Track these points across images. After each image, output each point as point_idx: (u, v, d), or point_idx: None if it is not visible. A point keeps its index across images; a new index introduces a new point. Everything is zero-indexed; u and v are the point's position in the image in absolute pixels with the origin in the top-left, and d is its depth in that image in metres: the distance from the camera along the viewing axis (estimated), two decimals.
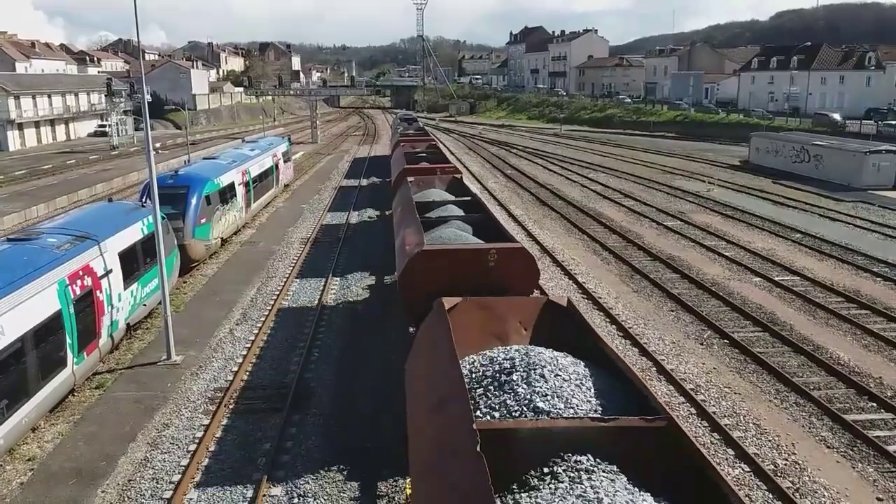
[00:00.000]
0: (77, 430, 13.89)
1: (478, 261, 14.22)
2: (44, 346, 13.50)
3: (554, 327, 10.26)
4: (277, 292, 22.42)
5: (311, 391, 15.50)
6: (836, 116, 69.30)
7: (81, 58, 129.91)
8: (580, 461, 6.67)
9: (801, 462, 12.81)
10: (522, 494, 6.41)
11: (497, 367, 8.69)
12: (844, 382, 15.99)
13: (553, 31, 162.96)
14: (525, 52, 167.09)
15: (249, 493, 11.75)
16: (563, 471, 6.59)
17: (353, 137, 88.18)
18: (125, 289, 17.65)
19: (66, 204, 38.95)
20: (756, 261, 26.41)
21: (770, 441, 13.53)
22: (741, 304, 21.24)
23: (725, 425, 13.93)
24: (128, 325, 18.15)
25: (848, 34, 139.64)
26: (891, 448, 13.10)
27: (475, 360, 9.14)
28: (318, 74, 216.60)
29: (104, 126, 79.59)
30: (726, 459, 12.82)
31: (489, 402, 8.14)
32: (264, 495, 11.69)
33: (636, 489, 6.28)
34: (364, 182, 48.31)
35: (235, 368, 16.62)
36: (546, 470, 6.65)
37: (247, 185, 32.08)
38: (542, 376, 8.25)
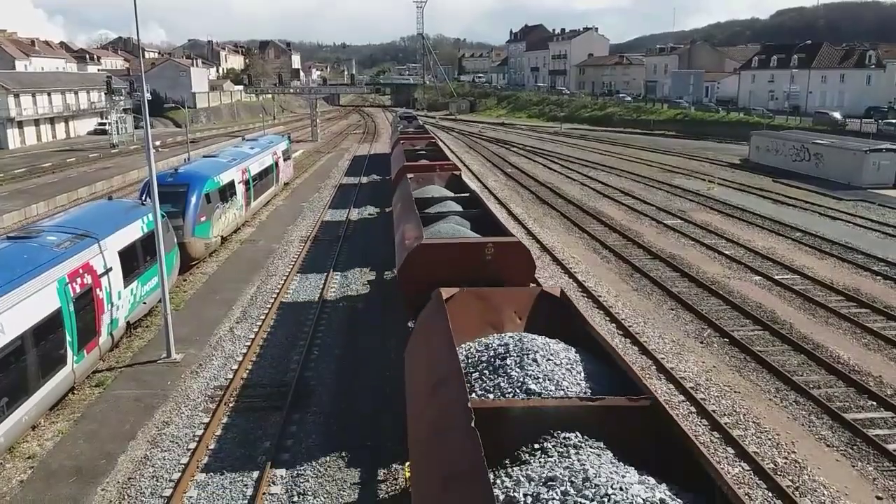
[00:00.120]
0: (77, 428, 13.89)
1: (475, 254, 14.47)
2: (44, 344, 13.49)
3: (547, 316, 10.64)
4: (277, 290, 22.42)
5: (311, 389, 15.50)
6: (837, 115, 69.26)
7: (81, 56, 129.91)
8: (569, 438, 7.06)
9: (800, 461, 12.81)
10: (514, 468, 6.79)
11: (492, 353, 9.11)
12: (844, 381, 15.99)
13: (553, 30, 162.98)
14: (525, 51, 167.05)
15: (249, 492, 11.75)
16: (553, 446, 6.98)
17: (353, 136, 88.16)
18: (125, 287, 17.65)
19: (66, 202, 38.92)
20: (756, 259, 26.41)
21: (770, 440, 13.53)
22: (741, 302, 21.24)
23: (725, 424, 13.93)
24: (128, 323, 18.15)
25: (848, 32, 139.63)
26: (890, 447, 13.10)
27: (471, 347, 9.55)
28: (318, 73, 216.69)
29: (104, 124, 79.55)
30: (726, 458, 12.82)
31: (484, 384, 8.55)
32: (264, 493, 11.69)
33: (621, 463, 6.59)
34: (364, 180, 48.48)
35: (235, 367, 16.62)
36: (536, 446, 7.05)
37: (247, 183, 32.06)
38: (535, 360, 8.68)
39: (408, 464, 8.90)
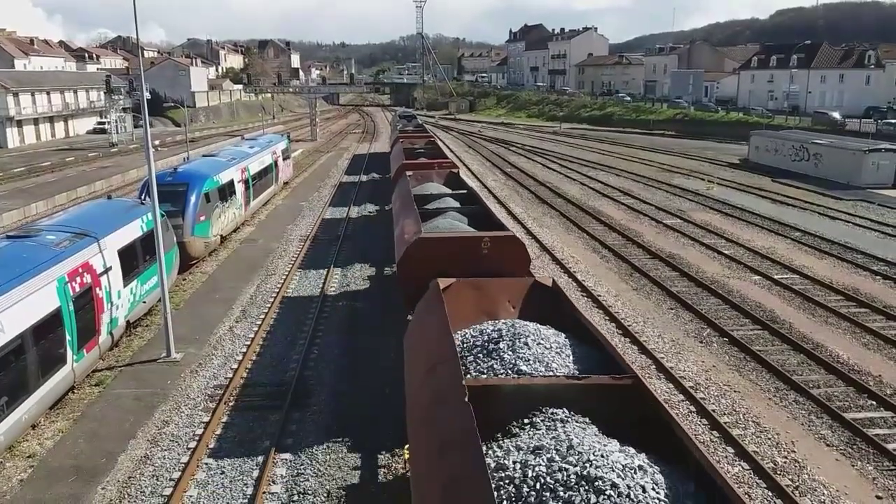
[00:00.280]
0: (77, 428, 13.88)
1: (472, 248, 14.86)
2: (43, 343, 13.48)
3: (539, 305, 11.13)
4: (277, 289, 22.42)
5: (310, 389, 15.50)
6: (836, 115, 69.29)
7: (80, 55, 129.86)
8: (556, 413, 7.58)
9: (800, 460, 12.82)
10: (505, 440, 7.32)
11: (486, 338, 9.62)
12: (844, 380, 16.00)
13: (553, 29, 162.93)
14: (525, 50, 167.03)
15: (249, 491, 11.75)
16: (541, 421, 7.52)
17: (352, 135, 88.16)
18: (125, 286, 17.64)
19: (66, 201, 38.89)
20: (755, 259, 26.43)
21: (769, 439, 13.54)
22: (740, 302, 21.25)
23: (725, 423, 13.94)
24: (127, 322, 18.14)
25: (848, 32, 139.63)
26: (890, 446, 13.11)
27: (466, 333, 10.04)
28: (318, 72, 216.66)
29: (103, 123, 79.46)
30: (726, 458, 12.83)
31: (478, 366, 9.08)
32: (264, 492, 11.69)
33: (604, 436, 7.08)
34: (364, 178, 48.63)
35: (235, 366, 16.62)
36: (526, 421, 7.59)
37: (246, 182, 32.05)
38: (526, 344, 9.21)
39: (407, 447, 9.18)
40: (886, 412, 14.58)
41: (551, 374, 8.63)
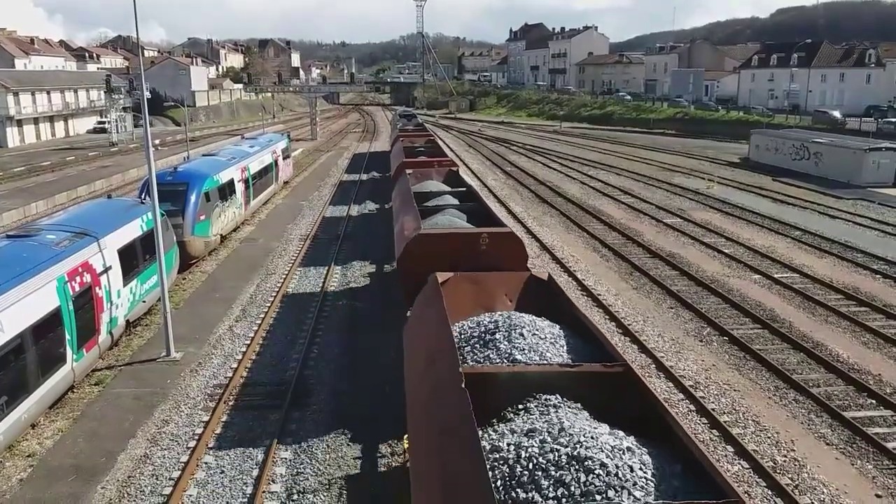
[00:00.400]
0: (77, 427, 13.88)
1: (470, 244, 15.13)
2: (43, 342, 13.48)
3: (535, 298, 11.43)
4: (277, 288, 22.42)
5: (310, 388, 15.50)
6: (836, 114, 69.22)
7: (81, 54, 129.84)
8: (549, 399, 7.88)
9: (800, 459, 12.82)
10: (500, 425, 7.62)
11: (483, 329, 9.94)
12: (843, 379, 15.99)
13: (553, 28, 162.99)
14: (525, 49, 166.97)
15: (249, 490, 11.75)
16: (535, 406, 7.81)
17: (352, 134, 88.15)
18: (124, 285, 17.64)
19: (66, 201, 38.89)
20: (755, 258, 26.42)
21: (769, 438, 13.54)
22: (740, 301, 21.24)
23: (725, 422, 13.94)
24: (127, 321, 18.15)
25: (848, 31, 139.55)
26: (890, 445, 13.11)
27: (464, 325, 10.35)
28: (318, 71, 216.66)
29: (103, 123, 79.47)
30: (725, 456, 12.83)
31: (475, 356, 9.41)
32: (264, 491, 11.70)
33: (595, 420, 7.39)
34: (364, 177, 48.74)
35: (235, 365, 16.62)
36: (521, 406, 7.88)
37: (246, 181, 32.05)
38: (522, 335, 9.51)
39: (406, 436, 9.40)
40: (886, 411, 14.57)
41: (545, 362, 8.89)
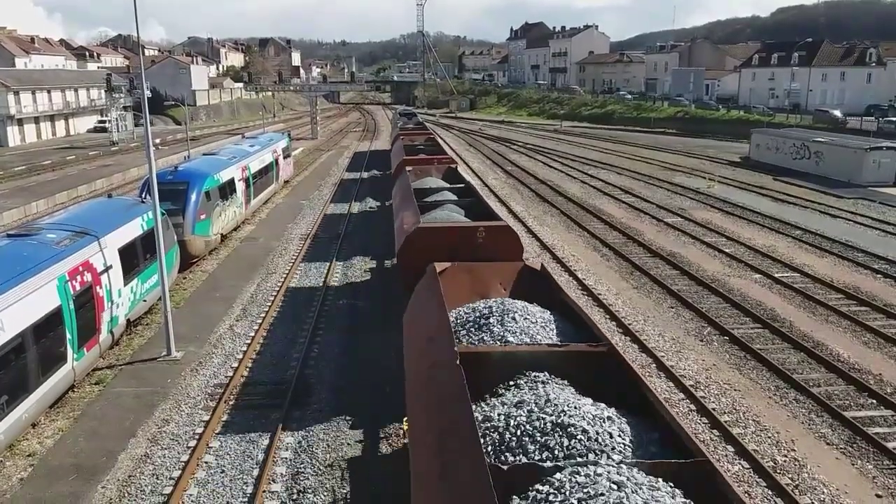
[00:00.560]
0: (77, 426, 13.89)
1: (468, 237, 15.59)
2: (44, 341, 13.48)
3: (529, 286, 11.91)
4: (278, 288, 22.42)
5: (311, 387, 15.50)
6: (837, 113, 69.21)
7: (81, 53, 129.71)
8: (538, 376, 8.45)
9: (800, 458, 12.82)
10: (492, 399, 8.19)
11: (478, 314, 10.50)
12: (844, 379, 15.99)
13: (554, 27, 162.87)
14: (525, 48, 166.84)
15: (249, 489, 11.76)
16: (525, 382, 8.38)
17: (353, 133, 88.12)
18: (125, 285, 17.65)
19: (66, 200, 38.90)
20: (756, 257, 26.41)
21: (770, 437, 13.54)
22: (741, 300, 21.24)
23: (725, 422, 13.94)
24: (128, 320, 18.15)
25: (849, 30, 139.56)
26: (890, 445, 13.11)
27: (460, 311, 10.88)
28: (318, 70, 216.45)
29: (104, 122, 79.47)
30: (725, 456, 12.83)
31: (470, 339, 9.95)
32: (265, 491, 11.70)
33: (580, 395, 7.88)
34: (365, 175, 48.91)
35: (235, 364, 16.62)
36: (511, 383, 8.46)
37: (247, 181, 32.05)
38: (514, 319, 10.05)
39: (405, 419, 9.71)
40: (886, 411, 14.57)
41: (535, 342, 9.42)
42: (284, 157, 42.51)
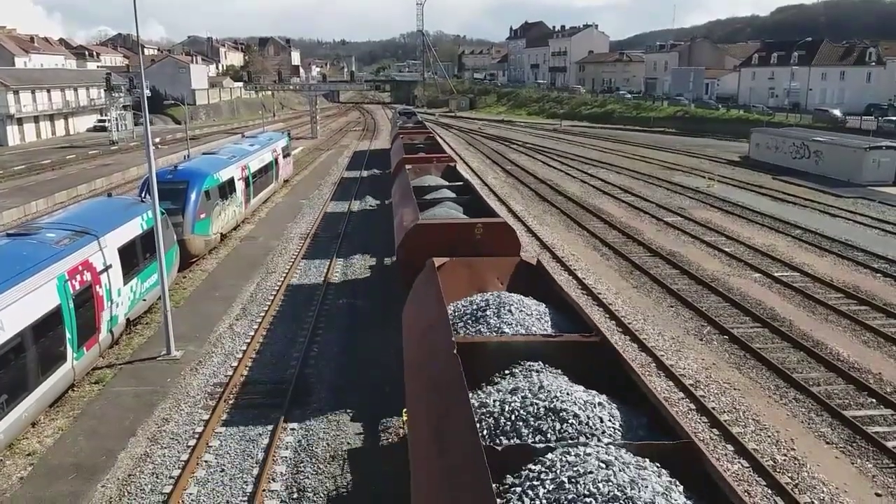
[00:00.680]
0: (77, 425, 13.89)
1: (466, 233, 15.79)
2: (43, 341, 13.48)
3: (525, 281, 12.20)
4: (277, 287, 22.42)
5: (310, 387, 15.50)
6: (837, 112, 69.22)
7: (80, 52, 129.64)
8: (532, 365, 8.72)
9: (800, 457, 12.82)
10: (488, 387, 8.45)
11: (475, 307, 10.77)
12: (844, 378, 15.99)
13: (553, 27, 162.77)
14: (525, 48, 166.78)
15: (249, 488, 11.76)
16: (519, 371, 8.66)
17: (352, 133, 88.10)
18: (125, 284, 17.64)
19: (66, 199, 38.88)
20: (756, 257, 26.42)
21: (769, 437, 13.54)
22: (741, 299, 21.24)
23: (725, 421, 13.94)
24: (127, 320, 18.15)
25: (849, 30, 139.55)
26: (890, 444, 13.12)
27: (458, 304, 11.14)
28: (318, 69, 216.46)
29: (103, 121, 79.41)
30: (725, 455, 12.83)
31: (467, 330, 10.26)
32: (264, 490, 11.70)
33: (572, 383, 8.13)
34: (365, 173, 49.03)
35: (235, 363, 16.62)
36: (507, 371, 8.73)
37: (246, 180, 32.05)
38: (510, 311, 10.32)
39: (405, 409, 9.86)
40: (886, 410, 14.57)
41: (530, 333, 9.73)
42: (284, 157, 42.49)
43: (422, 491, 7.16)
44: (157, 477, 12.11)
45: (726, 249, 27.33)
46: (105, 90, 76.10)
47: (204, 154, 33.24)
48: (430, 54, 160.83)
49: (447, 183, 23.85)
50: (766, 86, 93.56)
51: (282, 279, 23.35)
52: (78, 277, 15.02)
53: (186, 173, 26.01)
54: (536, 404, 7.40)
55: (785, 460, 12.75)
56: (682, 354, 17.44)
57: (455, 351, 8.27)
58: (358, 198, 38.90)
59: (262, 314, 19.98)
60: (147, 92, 19.19)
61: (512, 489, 6.08)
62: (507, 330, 9.89)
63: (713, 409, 14.46)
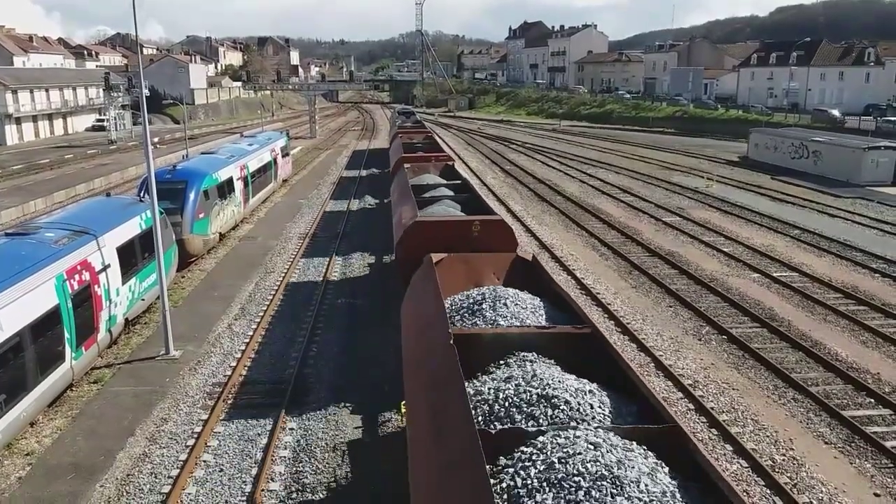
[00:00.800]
0: (75, 425, 13.88)
1: (464, 230, 16.03)
2: (42, 340, 13.47)
3: (521, 276, 12.48)
4: (276, 286, 22.40)
5: (309, 386, 15.49)
6: (836, 112, 69.24)
7: (79, 52, 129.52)
8: (526, 355, 8.98)
9: (799, 457, 12.83)
10: (483, 376, 8.68)
11: (471, 301, 11.03)
12: (842, 378, 16.00)
13: (552, 26, 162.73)
14: (524, 47, 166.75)
15: (248, 488, 11.75)
16: (514, 361, 8.91)
17: (351, 132, 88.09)
18: (123, 284, 17.63)
19: (64, 199, 38.86)
20: (755, 257, 26.43)
21: (768, 437, 13.55)
22: (739, 299, 21.25)
23: (724, 421, 13.95)
24: (126, 319, 18.13)
25: (848, 30, 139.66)
26: (888, 444, 13.12)
27: (455, 298, 11.41)
28: (317, 69, 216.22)
29: (102, 120, 79.31)
30: (724, 455, 12.84)
31: (464, 322, 10.50)
32: (263, 490, 11.70)
33: (565, 373, 8.37)
34: (364, 173, 49.13)
35: (234, 363, 16.61)
36: (501, 362, 8.97)
37: (245, 179, 32.03)
38: (505, 304, 10.60)
39: (403, 402, 10.14)
40: (885, 410, 14.58)
41: (524, 325, 10.03)
42: (283, 156, 42.48)
43: (420, 474, 7.40)
44: (155, 477, 12.10)
45: (725, 249, 27.34)
46: (104, 90, 75.97)
47: (202, 154, 33.23)
48: (429, 54, 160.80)
49: (445, 181, 24.06)
50: (764, 86, 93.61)
51: (281, 278, 23.34)
52: (76, 277, 15.01)
53: (185, 173, 26.00)
54: (529, 391, 7.66)
55: (784, 460, 12.76)
56: (680, 354, 17.44)
57: (451, 342, 8.49)
58: (357, 197, 38.94)
59: (261, 314, 19.98)
60: (146, 91, 19.19)
61: (505, 470, 6.32)
62: (502, 322, 10.13)
63: (712, 408, 14.46)
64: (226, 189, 28.62)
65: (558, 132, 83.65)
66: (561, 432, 6.64)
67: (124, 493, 11.64)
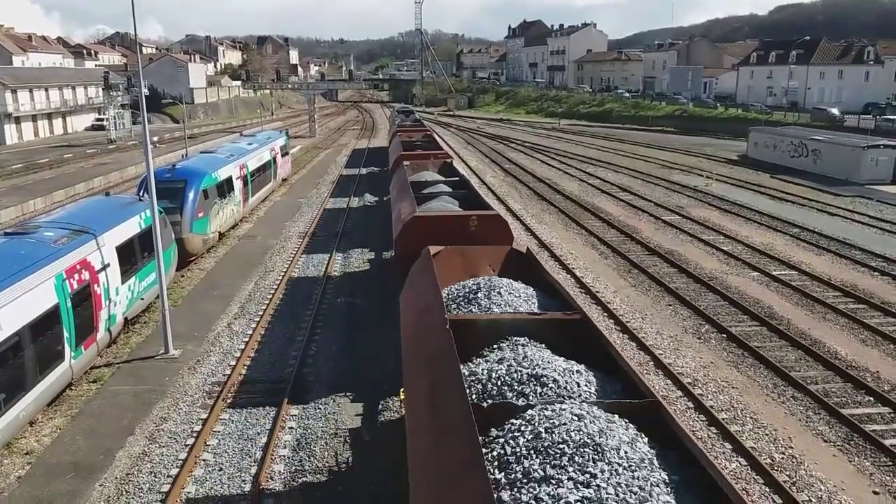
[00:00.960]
0: (75, 424, 13.88)
1: (461, 225, 16.37)
2: (41, 340, 13.47)
3: (516, 267, 12.85)
4: (276, 286, 22.40)
5: (308, 385, 15.50)
6: (835, 111, 69.29)
7: (79, 51, 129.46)
8: (518, 340, 9.40)
9: (798, 456, 12.84)
10: (478, 360, 9.09)
11: (467, 290, 11.47)
12: (842, 377, 16.02)
13: (552, 25, 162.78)
14: (524, 46, 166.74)
15: (247, 487, 11.76)
16: (507, 345, 9.33)
17: (351, 131, 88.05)
18: (123, 283, 17.62)
19: (64, 198, 38.85)
20: (754, 255, 26.44)
21: (767, 435, 13.56)
22: (739, 298, 21.26)
23: (723, 419, 13.96)
24: (125, 319, 18.13)
25: (847, 28, 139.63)
26: (887, 442, 13.14)
27: (451, 288, 11.81)
28: (316, 68, 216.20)
29: (102, 120, 79.26)
30: (724, 453, 12.85)
31: (459, 310, 10.89)
32: (263, 489, 11.70)
33: (555, 356, 8.78)
34: (363, 171, 49.21)
35: (233, 362, 16.61)
36: (495, 346, 9.38)
37: (244, 179, 32.02)
38: (500, 293, 11.05)
39: (402, 389, 10.23)
40: (884, 408, 14.60)
41: (517, 311, 10.49)
42: (282, 155, 42.46)
43: (417, 445, 7.83)
44: (155, 476, 12.10)
45: (724, 248, 27.35)
46: (103, 89, 75.93)
47: (202, 153, 33.20)
48: (428, 53, 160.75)
49: (444, 178, 24.26)
50: (764, 84, 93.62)
51: (280, 277, 23.33)
52: (76, 276, 15.01)
53: (184, 172, 25.98)
54: (520, 371, 8.16)
55: (783, 458, 12.77)
56: (680, 353, 17.45)
57: (447, 327, 8.91)
58: (357, 195, 38.96)
59: (261, 313, 19.98)
60: (145, 91, 19.18)
61: (496, 440, 6.80)
62: (496, 310, 10.54)
63: (711, 407, 14.47)
64: (225, 188, 28.61)
65: (558, 131, 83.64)
66: (548, 406, 7.07)
67: (124, 493, 11.65)
